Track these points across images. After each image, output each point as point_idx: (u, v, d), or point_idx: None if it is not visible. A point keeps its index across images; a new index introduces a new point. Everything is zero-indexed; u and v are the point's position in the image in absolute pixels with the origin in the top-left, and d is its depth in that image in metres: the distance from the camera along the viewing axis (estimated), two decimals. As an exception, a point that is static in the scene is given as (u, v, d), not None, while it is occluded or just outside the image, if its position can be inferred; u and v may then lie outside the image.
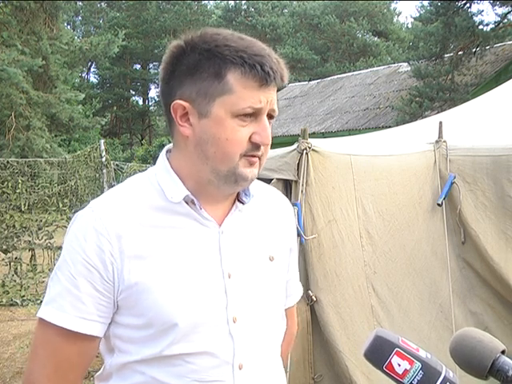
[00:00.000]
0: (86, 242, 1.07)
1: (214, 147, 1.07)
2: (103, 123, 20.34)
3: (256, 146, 1.08)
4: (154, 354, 1.07)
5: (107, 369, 1.16)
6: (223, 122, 1.05)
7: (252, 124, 1.07)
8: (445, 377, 0.85)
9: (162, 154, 1.17)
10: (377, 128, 12.22)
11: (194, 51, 1.07)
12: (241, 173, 1.08)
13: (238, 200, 1.18)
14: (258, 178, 1.28)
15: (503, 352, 0.88)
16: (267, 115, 1.09)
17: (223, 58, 1.05)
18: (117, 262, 1.06)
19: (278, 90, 1.11)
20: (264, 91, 1.06)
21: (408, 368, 0.86)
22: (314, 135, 9.70)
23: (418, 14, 16.46)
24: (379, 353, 0.88)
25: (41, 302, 1.11)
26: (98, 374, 1.20)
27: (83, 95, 18.13)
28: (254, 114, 1.07)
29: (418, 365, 0.86)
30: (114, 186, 1.23)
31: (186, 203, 1.11)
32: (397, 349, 0.87)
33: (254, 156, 1.09)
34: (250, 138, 1.07)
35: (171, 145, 1.18)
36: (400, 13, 36.38)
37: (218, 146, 1.06)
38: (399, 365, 0.86)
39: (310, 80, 22.88)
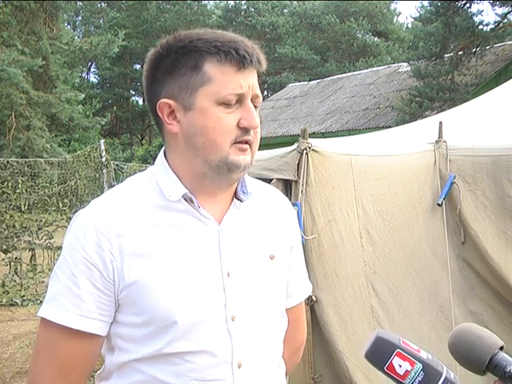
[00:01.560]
0: (86, 240, 1.07)
1: (203, 138, 1.08)
2: (103, 123, 20.34)
3: (245, 131, 1.09)
4: (153, 352, 1.08)
5: (107, 367, 1.16)
6: (208, 112, 1.07)
7: (238, 110, 1.09)
8: (446, 378, 0.85)
9: (161, 154, 1.18)
10: (377, 128, 12.23)
11: (170, 52, 1.10)
12: (232, 161, 1.09)
13: (236, 198, 1.18)
14: (258, 179, 1.29)
15: (502, 348, 0.88)
16: (251, 103, 1.11)
17: (198, 51, 1.07)
18: (116, 261, 1.07)
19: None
20: (243, 75, 1.08)
21: (409, 369, 0.86)
22: (314, 135, 9.69)
23: (417, 14, 16.47)
24: (380, 354, 0.88)
25: (41, 302, 1.11)
26: (98, 372, 1.20)
27: (83, 95, 18.13)
28: (238, 101, 1.08)
29: (419, 366, 0.86)
30: (114, 186, 1.24)
31: (185, 201, 1.12)
32: (398, 350, 0.87)
33: (245, 142, 1.10)
34: (238, 123, 1.08)
35: None
36: (400, 13, 36.50)
37: (206, 136, 1.07)
38: (400, 366, 0.86)
39: (310, 80, 22.89)
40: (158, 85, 1.12)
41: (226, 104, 1.07)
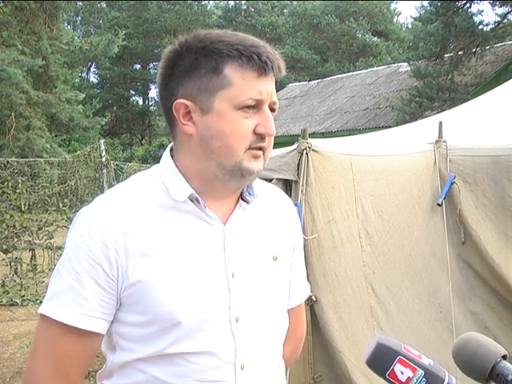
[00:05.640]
0: (91, 238, 1.06)
1: (219, 141, 1.07)
2: (103, 123, 20.35)
3: (261, 137, 1.09)
4: (155, 352, 1.07)
5: (109, 366, 1.15)
6: (226, 116, 1.06)
7: (255, 116, 1.08)
8: (448, 383, 0.85)
9: (166, 153, 1.17)
10: (377, 128, 12.22)
11: (190, 51, 1.08)
12: (246, 167, 1.08)
13: (242, 199, 1.18)
14: (259, 178, 1.28)
15: (505, 357, 0.88)
16: (268, 108, 1.10)
17: (219, 53, 1.06)
18: (121, 259, 1.06)
19: (277, 87, 1.12)
20: (263, 81, 1.07)
21: (411, 376, 0.85)
22: (314, 135, 9.70)
23: (417, 14, 16.50)
24: (382, 361, 0.87)
25: (41, 302, 1.11)
26: (99, 371, 1.20)
27: (83, 95, 18.15)
28: (256, 106, 1.08)
29: (420, 372, 0.85)
30: (114, 186, 1.22)
31: (191, 201, 1.11)
32: (399, 356, 0.86)
33: (258, 148, 1.09)
34: (254, 129, 1.08)
35: None
36: (400, 13, 36.59)
37: (222, 139, 1.07)
38: (402, 373, 0.85)
39: (310, 80, 22.89)
40: (175, 84, 1.10)
41: (243, 109, 1.06)
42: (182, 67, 1.09)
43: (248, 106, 1.06)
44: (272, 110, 1.11)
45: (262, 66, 1.06)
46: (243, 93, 1.05)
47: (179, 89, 1.09)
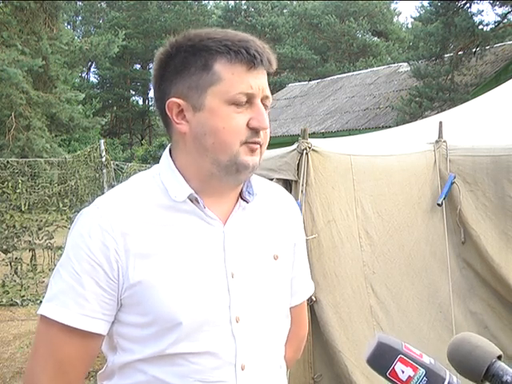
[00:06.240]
0: (91, 238, 1.06)
1: (212, 138, 1.07)
2: (103, 123, 20.35)
3: (255, 132, 1.08)
4: (156, 353, 1.07)
5: (109, 367, 1.15)
6: (218, 112, 1.06)
7: (247, 110, 1.08)
8: (449, 383, 0.85)
9: (166, 153, 1.17)
10: (377, 128, 12.22)
11: (180, 51, 1.09)
12: (242, 161, 1.08)
13: (242, 198, 1.17)
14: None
15: (500, 357, 0.88)
16: (261, 102, 1.10)
17: (208, 50, 1.07)
18: (121, 260, 1.06)
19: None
20: (253, 75, 1.07)
21: (412, 375, 0.85)
22: (314, 135, 9.70)
23: (417, 14, 16.51)
24: (382, 360, 0.87)
25: (41, 302, 1.10)
26: (100, 372, 1.19)
27: (83, 95, 18.16)
28: (248, 101, 1.07)
29: (421, 371, 0.85)
30: (114, 185, 1.22)
31: (191, 201, 1.11)
32: (400, 355, 0.86)
33: (254, 143, 1.09)
34: (247, 124, 1.07)
35: None
36: (400, 13, 36.61)
37: (215, 135, 1.06)
38: (403, 371, 0.85)
39: (310, 80, 22.89)
40: (167, 84, 1.11)
41: (235, 104, 1.06)
42: (173, 67, 1.09)
43: (239, 101, 1.06)
44: (265, 104, 1.11)
45: (250, 60, 1.05)
46: (233, 87, 1.05)
47: (171, 88, 1.10)
